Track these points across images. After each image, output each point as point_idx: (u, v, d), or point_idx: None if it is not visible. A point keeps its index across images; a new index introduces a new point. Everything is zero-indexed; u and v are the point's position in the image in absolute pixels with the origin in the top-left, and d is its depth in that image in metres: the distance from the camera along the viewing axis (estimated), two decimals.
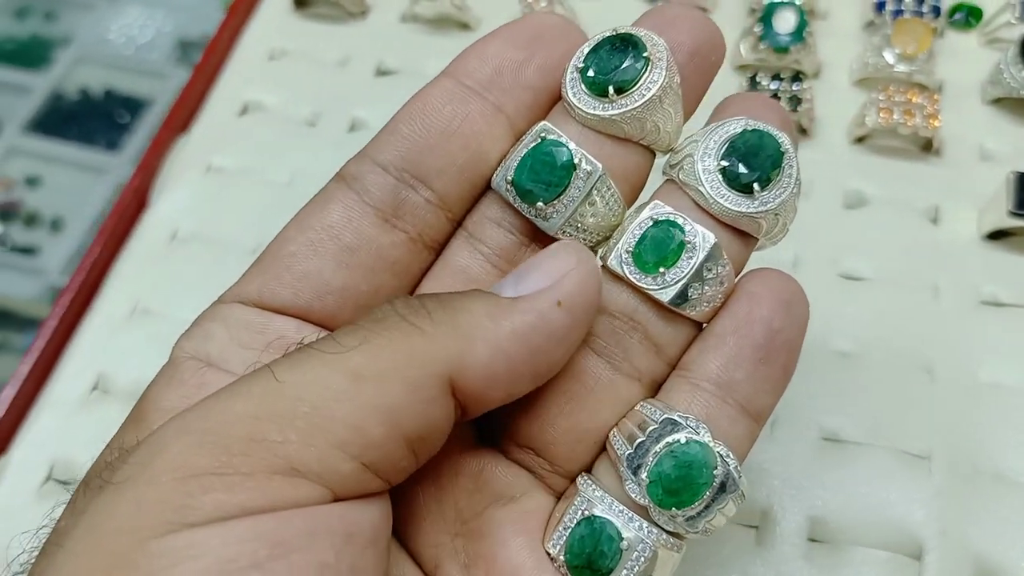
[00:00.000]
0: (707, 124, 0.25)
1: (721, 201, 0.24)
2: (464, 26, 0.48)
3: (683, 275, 0.24)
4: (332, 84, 0.47)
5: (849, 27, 0.47)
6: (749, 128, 0.24)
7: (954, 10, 0.47)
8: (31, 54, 0.96)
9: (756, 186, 0.24)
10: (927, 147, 0.42)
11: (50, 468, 0.36)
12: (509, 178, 0.24)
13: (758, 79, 0.43)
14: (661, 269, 0.24)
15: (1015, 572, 0.33)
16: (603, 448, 0.25)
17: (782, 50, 0.43)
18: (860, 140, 0.43)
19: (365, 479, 0.20)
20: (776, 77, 0.42)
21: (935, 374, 0.37)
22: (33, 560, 0.20)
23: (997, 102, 0.44)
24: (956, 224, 0.41)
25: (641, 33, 0.24)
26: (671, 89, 0.24)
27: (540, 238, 0.25)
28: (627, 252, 0.24)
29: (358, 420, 0.20)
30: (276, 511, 0.19)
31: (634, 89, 0.24)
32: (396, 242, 0.25)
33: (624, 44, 0.24)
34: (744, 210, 0.24)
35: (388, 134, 0.25)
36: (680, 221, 0.24)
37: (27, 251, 0.83)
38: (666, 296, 0.24)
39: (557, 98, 0.25)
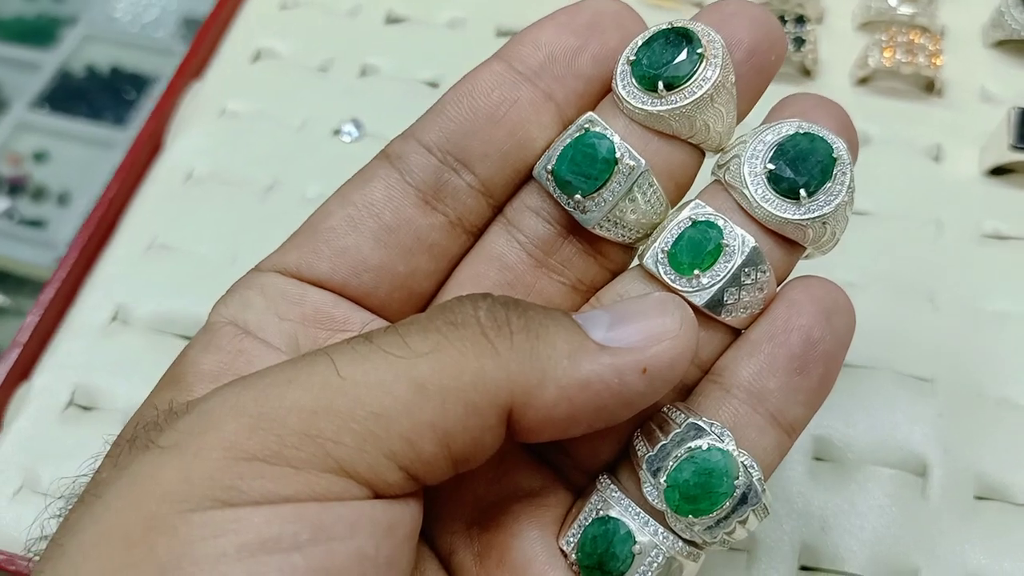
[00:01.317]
0: (761, 124, 0.25)
1: (765, 206, 0.23)
2: None
3: (719, 279, 0.23)
4: (343, 32, 0.48)
5: None
6: (801, 131, 0.23)
7: None
8: (39, 32, 0.97)
9: (803, 192, 0.23)
10: (929, 87, 0.43)
11: (72, 393, 0.37)
12: (550, 168, 0.24)
13: None
14: (696, 272, 0.23)
15: (1015, 488, 0.34)
16: (626, 449, 0.25)
17: None
18: (863, 82, 0.44)
19: (407, 485, 0.20)
20: (780, 19, 0.43)
21: (938, 303, 0.38)
22: (70, 507, 0.20)
23: (999, 45, 0.45)
24: (958, 162, 0.42)
25: (698, 28, 0.23)
26: (724, 88, 0.23)
27: (579, 231, 0.25)
28: (663, 252, 0.24)
29: (414, 435, 0.20)
30: (321, 501, 0.19)
31: (685, 86, 0.23)
32: (435, 224, 0.25)
33: (679, 38, 0.23)
34: (789, 216, 0.23)
35: (435, 115, 0.25)
36: (720, 223, 0.23)
37: (35, 224, 0.84)
38: (700, 300, 0.23)
39: (609, 88, 0.25)
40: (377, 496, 0.20)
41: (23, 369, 0.38)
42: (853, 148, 0.24)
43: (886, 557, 0.33)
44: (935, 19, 0.45)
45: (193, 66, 0.46)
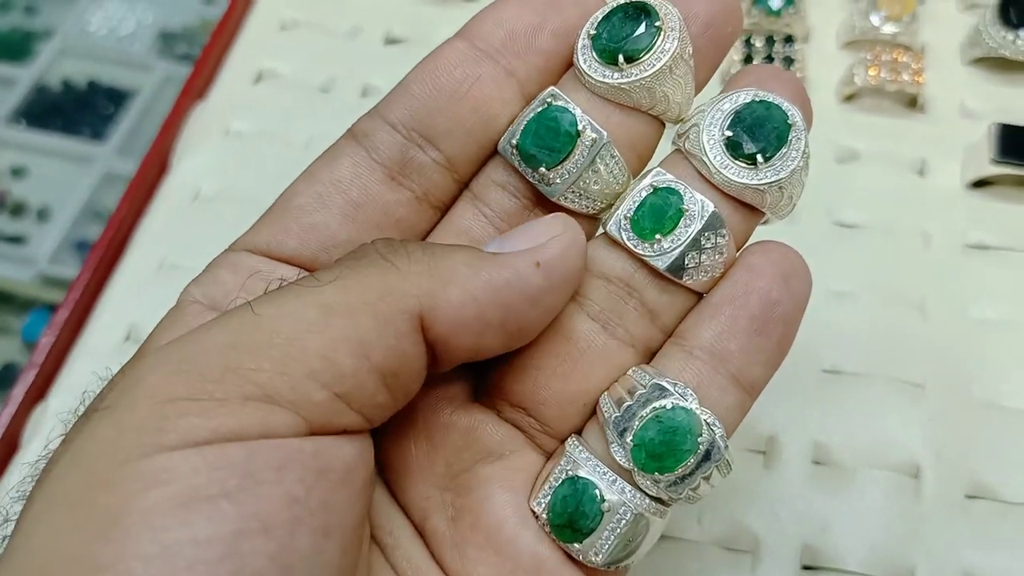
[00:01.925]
0: (719, 94, 0.25)
1: (724, 172, 0.24)
2: None
3: (680, 243, 0.24)
4: (343, 53, 0.49)
5: None
6: (757, 99, 0.24)
7: None
8: (13, 47, 0.97)
9: (760, 158, 0.24)
10: (912, 104, 0.45)
11: None
12: (514, 142, 0.25)
13: (752, 40, 0.45)
14: (658, 236, 0.24)
15: (1004, 487, 0.35)
16: (594, 411, 0.25)
17: (774, 14, 0.46)
18: (849, 99, 0.45)
19: (338, 409, 0.21)
20: (769, 40, 0.45)
21: (927, 312, 0.39)
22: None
23: (977, 62, 0.47)
24: (941, 175, 0.43)
25: (655, 2, 0.24)
26: (682, 60, 0.24)
27: (544, 203, 0.25)
28: (625, 218, 0.24)
29: (328, 351, 0.20)
30: (248, 439, 0.19)
31: (644, 58, 0.24)
32: (402, 200, 0.25)
33: (637, 12, 0.24)
34: (747, 181, 0.24)
35: (399, 93, 0.25)
36: (680, 189, 0.24)
37: (15, 240, 0.84)
38: (662, 263, 0.24)
39: (570, 63, 0.25)
40: (312, 432, 0.20)
41: (39, 390, 0.38)
42: (807, 116, 0.25)
43: (884, 555, 0.34)
44: (916, 37, 0.46)
45: (197, 86, 0.47)
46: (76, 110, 0.93)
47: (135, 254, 0.42)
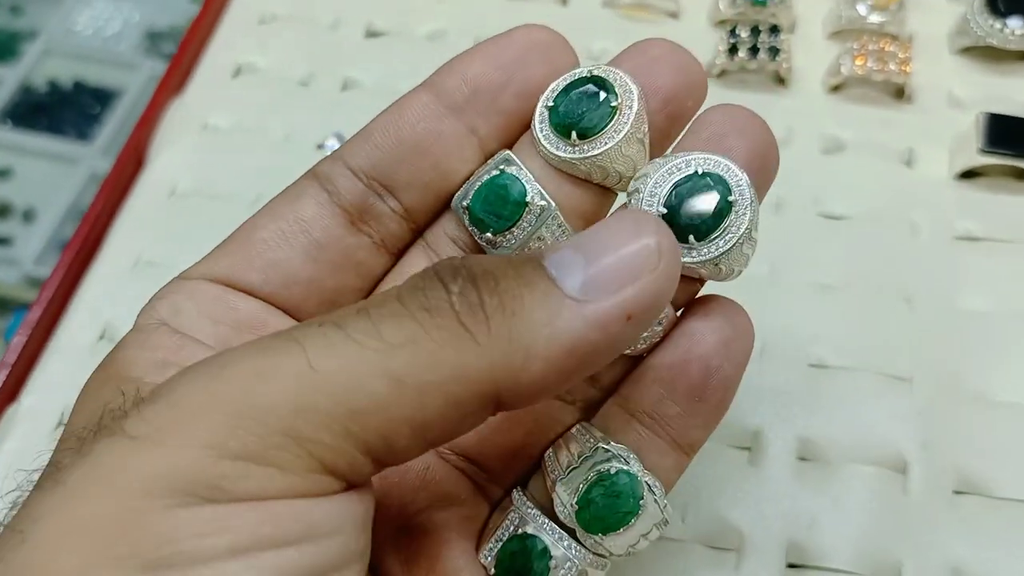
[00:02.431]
0: (676, 146, 0.25)
1: None
2: None
3: None
4: (323, 46, 0.48)
5: None
6: (700, 172, 0.23)
7: None
8: None
9: (692, 238, 0.23)
10: (899, 94, 0.44)
11: (61, 414, 0.37)
12: (465, 204, 0.25)
13: (738, 31, 0.44)
14: None
15: (992, 482, 0.35)
16: (539, 464, 0.26)
17: (760, 4, 0.45)
18: (836, 89, 0.45)
19: (374, 470, 0.20)
20: (754, 30, 0.44)
21: (914, 303, 0.39)
22: (27, 494, 0.19)
23: (965, 51, 0.46)
24: (929, 165, 0.43)
25: (615, 78, 0.24)
26: (635, 138, 0.24)
27: None
28: None
29: (390, 432, 0.19)
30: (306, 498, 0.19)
31: (597, 136, 0.24)
32: (361, 244, 0.25)
33: (596, 88, 0.24)
34: (681, 259, 0.23)
35: (362, 140, 0.25)
36: None
37: (1, 241, 0.83)
38: None
39: (530, 121, 0.25)
40: (350, 486, 0.20)
41: (11, 391, 0.38)
42: (768, 168, 0.25)
43: (870, 552, 0.33)
44: (904, 27, 0.46)
45: (174, 81, 0.46)
46: (62, 110, 0.92)
47: (110, 251, 0.41)
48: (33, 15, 0.99)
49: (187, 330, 0.24)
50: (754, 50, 0.44)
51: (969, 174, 0.42)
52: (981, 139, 0.40)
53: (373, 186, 0.25)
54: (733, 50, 0.44)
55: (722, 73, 0.45)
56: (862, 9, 0.45)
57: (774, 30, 0.44)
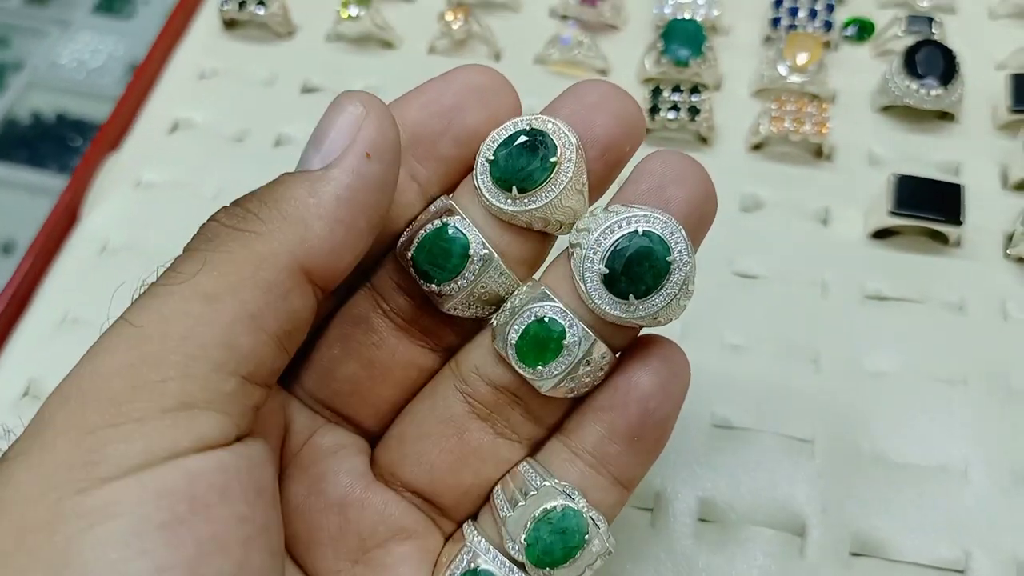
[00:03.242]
0: (617, 195, 0.25)
1: (599, 303, 0.24)
2: (387, 44, 0.51)
3: (559, 373, 0.25)
4: (259, 101, 0.49)
5: (749, 42, 0.50)
6: (640, 231, 0.24)
7: (847, 24, 0.49)
8: None
9: (632, 297, 0.24)
10: (818, 153, 0.45)
11: None
12: (408, 255, 0.26)
13: (661, 88, 0.45)
14: (539, 366, 0.25)
15: (890, 544, 0.35)
16: (488, 499, 0.27)
17: (682, 64, 0.46)
18: (757, 147, 0.46)
19: (248, 391, 0.21)
20: (676, 89, 0.45)
21: (821, 364, 0.39)
22: None
23: (885, 110, 0.47)
24: (844, 224, 0.43)
25: (553, 130, 0.24)
26: (574, 190, 0.25)
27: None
28: (511, 344, 0.25)
29: (227, 338, 0.21)
30: (183, 455, 0.19)
31: (537, 190, 0.24)
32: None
33: (534, 141, 0.24)
34: (620, 314, 0.24)
35: None
36: (561, 319, 0.25)
37: None
38: (544, 387, 0.26)
39: (471, 165, 0.26)
40: (238, 430, 0.21)
41: None
42: (706, 217, 0.25)
43: None
44: (825, 86, 0.47)
45: (109, 137, 0.47)
46: (43, 143, 0.93)
47: (39, 307, 0.42)
48: (19, 47, 1.00)
49: None
50: (675, 109, 0.44)
51: (884, 233, 0.43)
52: (891, 200, 0.41)
53: None
54: (655, 110, 0.45)
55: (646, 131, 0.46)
56: (782, 69, 0.46)
57: (695, 90, 0.45)
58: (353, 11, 0.48)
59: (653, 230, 0.24)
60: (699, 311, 0.40)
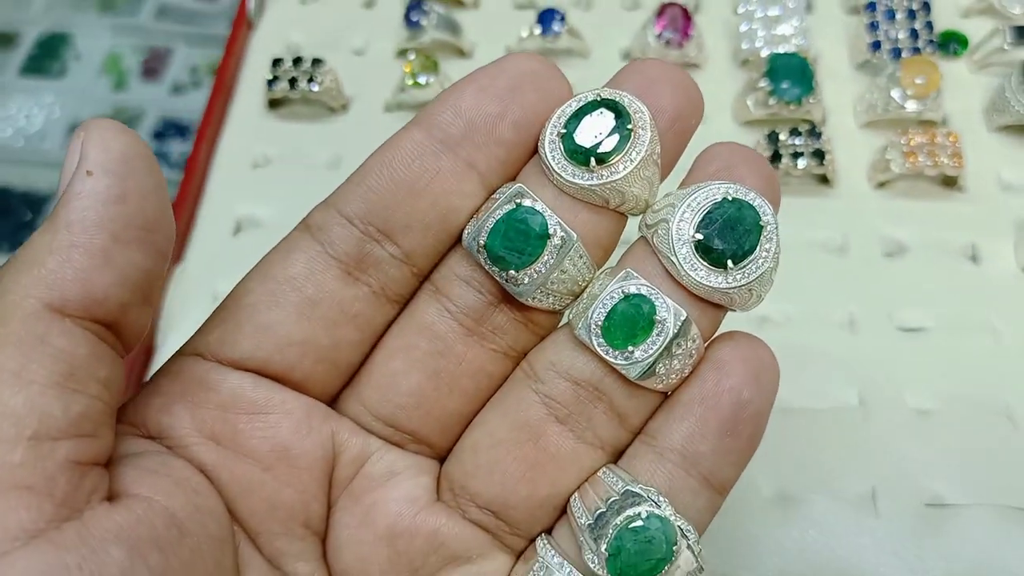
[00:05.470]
0: (687, 179, 0.25)
1: (693, 275, 0.23)
2: None
3: (652, 353, 0.23)
4: (326, 185, 0.44)
5: (843, 68, 0.47)
6: (729, 197, 0.23)
7: (942, 40, 0.47)
8: None
9: (730, 263, 0.23)
10: (950, 183, 0.42)
11: None
12: (481, 242, 0.24)
13: (777, 133, 0.42)
14: (630, 347, 0.23)
15: None
16: (564, 511, 0.25)
17: (795, 102, 0.43)
18: (882, 185, 0.43)
19: (43, 450, 0.19)
20: (794, 132, 0.42)
21: (1016, 421, 0.37)
22: None
23: (1003, 129, 0.44)
24: (996, 260, 0.41)
25: (625, 100, 0.23)
26: (651, 160, 0.23)
27: (509, 299, 0.25)
28: (596, 325, 0.24)
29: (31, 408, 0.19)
30: None
31: (615, 160, 0.23)
32: (359, 295, 0.24)
33: (608, 111, 0.23)
34: (717, 285, 0.23)
35: (355, 184, 0.24)
36: (651, 296, 0.23)
37: None
38: (633, 372, 0.23)
39: (531, 151, 0.24)
40: (54, 517, 0.19)
41: None
42: (775, 201, 0.24)
43: None
44: (940, 111, 0.44)
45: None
46: None
47: None
48: None
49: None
50: (798, 156, 0.41)
51: None
52: None
53: (370, 232, 0.24)
54: (776, 157, 0.41)
55: None
56: (898, 96, 0.43)
57: (814, 132, 0.42)
58: (422, 79, 0.44)
59: (740, 197, 0.23)
60: (873, 374, 0.37)
